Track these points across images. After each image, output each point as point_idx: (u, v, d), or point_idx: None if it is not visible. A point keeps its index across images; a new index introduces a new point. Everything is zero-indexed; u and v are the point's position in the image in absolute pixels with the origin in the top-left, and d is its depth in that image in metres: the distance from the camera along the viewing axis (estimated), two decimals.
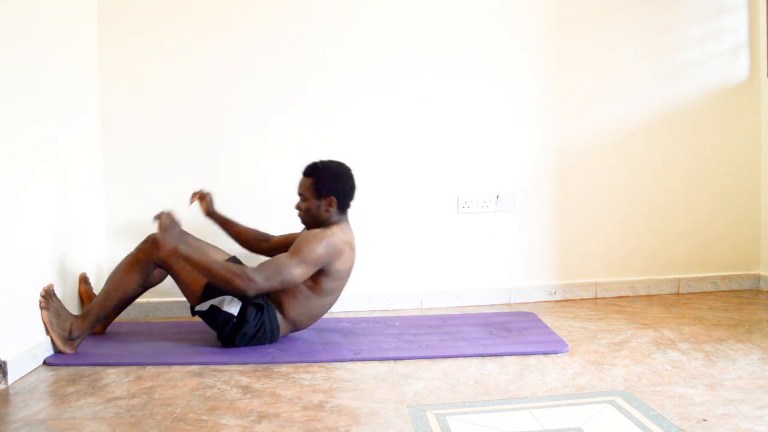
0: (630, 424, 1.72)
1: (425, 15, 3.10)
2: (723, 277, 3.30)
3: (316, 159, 2.55)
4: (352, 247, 2.49)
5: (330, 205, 2.48)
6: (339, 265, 2.43)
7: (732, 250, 3.32)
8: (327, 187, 2.47)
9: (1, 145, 2.13)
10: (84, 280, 2.70)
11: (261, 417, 1.82)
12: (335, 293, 2.52)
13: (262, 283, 2.30)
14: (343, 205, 2.52)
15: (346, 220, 2.55)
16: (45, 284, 2.38)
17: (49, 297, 2.35)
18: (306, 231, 2.53)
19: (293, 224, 2.73)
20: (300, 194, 2.51)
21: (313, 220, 2.50)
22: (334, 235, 2.41)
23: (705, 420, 1.73)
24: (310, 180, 2.49)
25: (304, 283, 2.42)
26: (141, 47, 2.98)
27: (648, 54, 3.21)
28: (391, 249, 3.13)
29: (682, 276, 3.29)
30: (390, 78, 3.09)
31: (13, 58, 2.21)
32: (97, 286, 2.81)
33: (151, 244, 2.42)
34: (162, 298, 2.96)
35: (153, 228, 2.89)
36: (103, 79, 2.95)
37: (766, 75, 3.24)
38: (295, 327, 2.54)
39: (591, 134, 3.21)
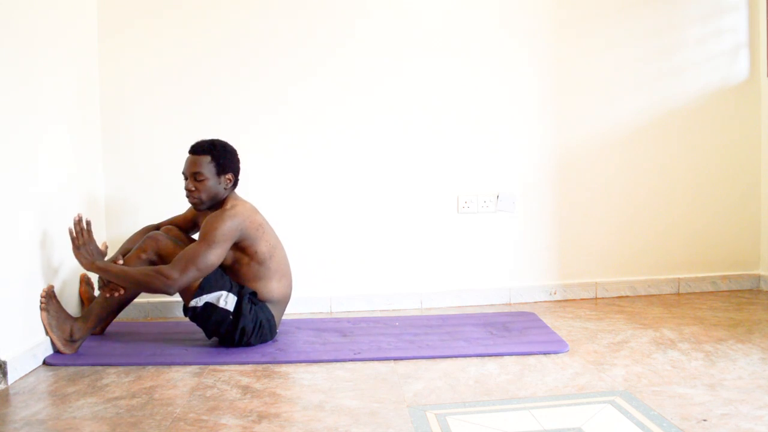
0: (630, 424, 1.72)
1: (424, 15, 3.10)
2: (723, 277, 3.30)
3: (205, 138, 2.54)
4: (253, 207, 2.53)
5: (229, 181, 2.51)
6: (256, 224, 2.46)
7: (732, 250, 3.31)
8: (226, 164, 2.49)
9: (1, 145, 2.13)
10: (85, 281, 2.69)
11: (261, 417, 1.82)
12: (277, 249, 2.54)
13: (179, 277, 2.32)
14: (237, 181, 2.56)
15: (235, 194, 2.58)
16: (45, 284, 2.38)
17: (49, 298, 2.35)
18: (197, 212, 2.59)
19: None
20: (194, 173, 2.46)
21: (211, 198, 2.50)
22: (234, 207, 2.45)
23: (705, 420, 1.73)
24: (207, 158, 2.47)
25: (241, 261, 2.45)
26: (141, 39, 2.98)
27: (648, 54, 3.21)
28: (391, 249, 3.13)
29: (682, 276, 3.29)
30: (389, 78, 3.09)
31: (12, 58, 2.21)
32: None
33: (148, 241, 2.44)
34: (162, 298, 2.96)
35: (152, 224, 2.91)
36: (103, 78, 2.95)
37: (766, 75, 3.24)
38: (280, 302, 2.55)
39: (591, 134, 3.21)
